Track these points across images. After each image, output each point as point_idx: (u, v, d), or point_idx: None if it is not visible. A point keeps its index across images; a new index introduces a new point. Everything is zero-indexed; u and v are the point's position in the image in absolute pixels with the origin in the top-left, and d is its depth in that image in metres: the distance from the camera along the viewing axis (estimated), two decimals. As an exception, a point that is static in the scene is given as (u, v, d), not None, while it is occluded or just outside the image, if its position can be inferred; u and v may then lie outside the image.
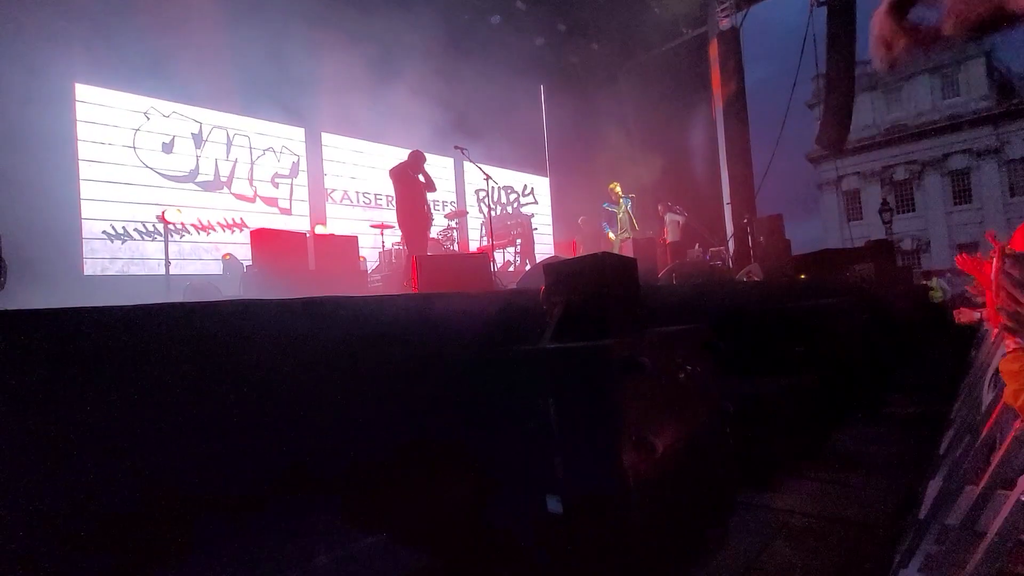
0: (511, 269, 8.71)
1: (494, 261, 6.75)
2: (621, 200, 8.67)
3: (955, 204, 29.57)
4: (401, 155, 6.48)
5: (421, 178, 6.22)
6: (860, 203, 32.26)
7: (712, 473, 2.16)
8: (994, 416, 1.65)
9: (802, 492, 2.57)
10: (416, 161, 6.27)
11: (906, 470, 2.70)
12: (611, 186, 8.82)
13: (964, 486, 1.48)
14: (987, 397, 2.21)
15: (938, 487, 1.66)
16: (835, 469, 2.85)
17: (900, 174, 31.10)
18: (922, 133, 29.99)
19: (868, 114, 30.99)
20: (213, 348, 1.53)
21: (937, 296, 11.50)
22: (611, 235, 8.79)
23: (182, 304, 1.64)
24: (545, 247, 11.66)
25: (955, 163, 29.40)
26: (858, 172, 32.04)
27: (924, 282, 12.11)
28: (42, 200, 5.76)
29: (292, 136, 8.52)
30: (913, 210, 30.78)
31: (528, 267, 8.01)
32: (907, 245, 29.85)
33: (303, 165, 8.60)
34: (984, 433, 1.63)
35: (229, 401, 1.53)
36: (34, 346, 1.25)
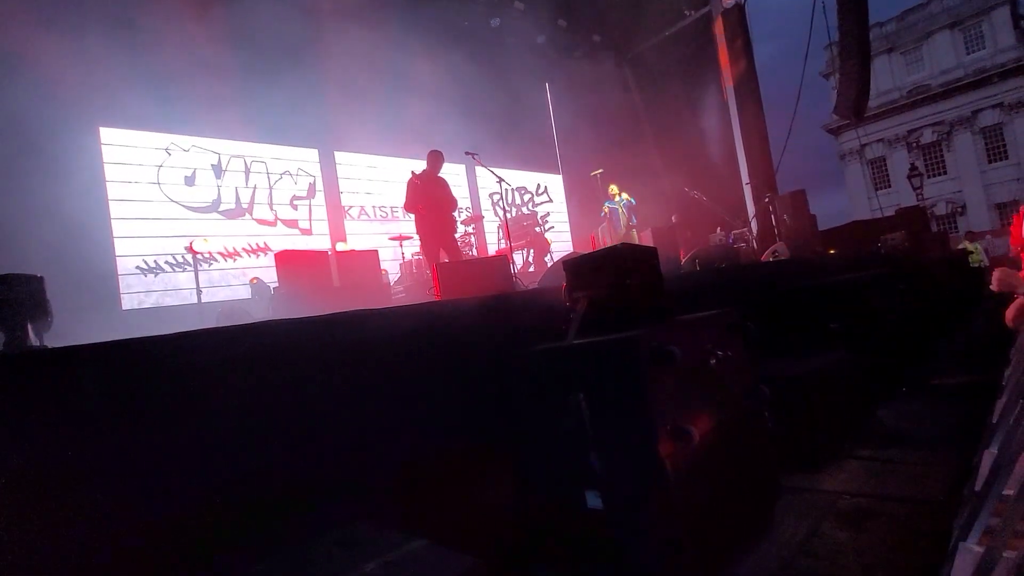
0: (531, 270, 8.71)
1: (513, 263, 6.76)
2: (617, 197, 8.83)
3: (989, 162, 28.27)
4: (413, 165, 6.53)
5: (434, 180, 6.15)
6: (887, 170, 31.15)
7: (753, 458, 2.12)
8: (1047, 379, 1.57)
9: (849, 472, 2.50)
10: (430, 162, 6.26)
11: (956, 442, 2.60)
12: (610, 187, 8.99)
13: (1020, 453, 1.42)
14: (1039, 360, 2.12)
15: (993, 457, 1.60)
16: (882, 446, 2.77)
17: (927, 136, 29.91)
18: (947, 92, 28.79)
19: (887, 78, 29.92)
20: (252, 367, 1.58)
21: (976, 259, 11.04)
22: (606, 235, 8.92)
23: (216, 329, 1.70)
24: (563, 244, 11.63)
25: (986, 119, 28.12)
26: (882, 139, 30.95)
27: (963, 245, 11.59)
28: (78, 242, 6.01)
29: (307, 158, 8.70)
30: (945, 172, 29.56)
31: (549, 264, 8.00)
32: (941, 209, 28.69)
33: (319, 185, 8.78)
34: (1038, 397, 1.56)
35: (272, 416, 1.58)
36: (83, 379, 1.31)
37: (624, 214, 8.81)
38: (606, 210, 9.05)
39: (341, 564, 1.26)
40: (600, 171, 9.40)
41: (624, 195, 9.01)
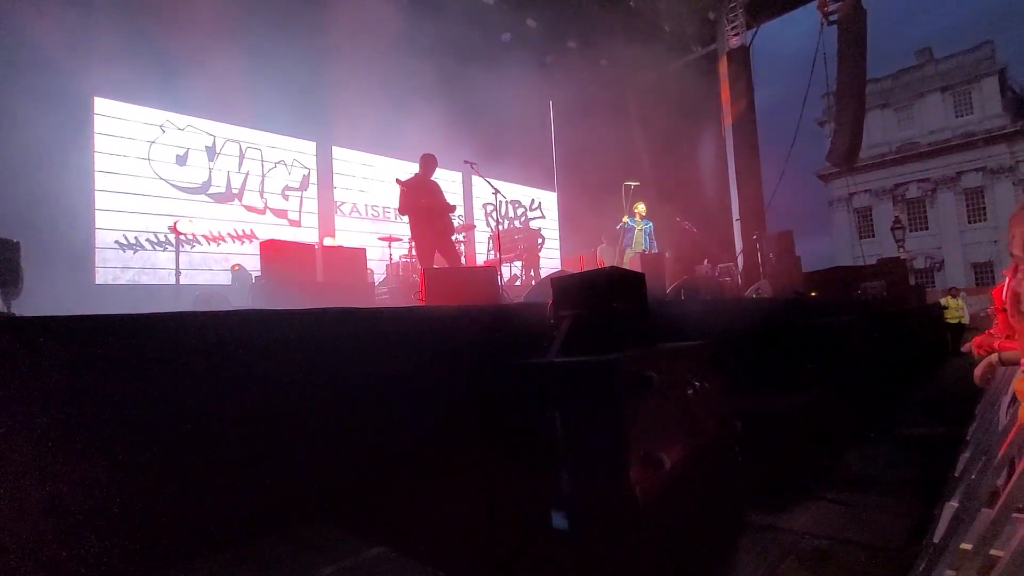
0: (518, 283, 8.70)
1: (501, 275, 6.75)
2: (642, 221, 8.73)
3: (969, 223, 29.25)
4: (410, 168, 6.49)
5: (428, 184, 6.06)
6: (872, 220, 32.00)
7: (720, 491, 2.12)
8: (1010, 437, 1.61)
9: (813, 513, 2.52)
10: (423, 166, 6.19)
11: (919, 492, 2.64)
12: (637, 205, 8.80)
13: (980, 509, 1.44)
14: (1004, 418, 2.17)
15: (953, 510, 1.62)
16: (847, 490, 2.80)
17: (913, 192, 30.88)
18: (934, 151, 29.81)
19: (879, 132, 30.90)
20: (221, 357, 1.54)
21: (956, 316, 10.93)
22: (604, 255, 8.74)
23: (191, 313, 1.66)
24: (552, 261, 11.67)
25: (969, 181, 29.14)
26: (869, 190, 31.85)
27: (944, 300, 11.63)
28: (58, 210, 5.86)
29: (303, 149, 8.64)
30: (926, 228, 30.47)
31: (534, 281, 8.01)
32: (920, 263, 29.50)
33: (313, 178, 8.71)
34: (1000, 455, 1.60)
35: (234, 410, 1.54)
36: (48, 351, 1.27)
37: (644, 238, 8.71)
38: (623, 223, 8.68)
39: (298, 566, 1.23)
40: (636, 183, 8.94)
41: (648, 220, 8.84)
